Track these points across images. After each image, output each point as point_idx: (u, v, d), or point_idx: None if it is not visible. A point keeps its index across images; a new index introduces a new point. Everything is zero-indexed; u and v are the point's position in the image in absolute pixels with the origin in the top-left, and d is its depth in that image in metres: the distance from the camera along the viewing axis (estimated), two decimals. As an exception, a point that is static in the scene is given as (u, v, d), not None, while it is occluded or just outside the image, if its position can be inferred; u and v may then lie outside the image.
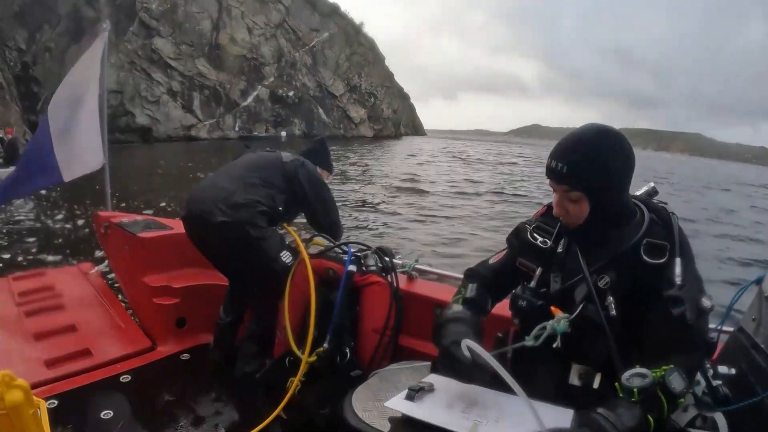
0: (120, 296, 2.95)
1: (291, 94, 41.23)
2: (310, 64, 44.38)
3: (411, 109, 70.22)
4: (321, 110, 45.02)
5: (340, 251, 2.18)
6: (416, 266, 2.17)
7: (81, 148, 3.23)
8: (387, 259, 2.07)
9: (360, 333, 2.02)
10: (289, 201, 2.29)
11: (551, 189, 1.15)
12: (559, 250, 1.20)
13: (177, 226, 2.68)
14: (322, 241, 2.22)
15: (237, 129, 35.05)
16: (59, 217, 8.30)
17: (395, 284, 1.99)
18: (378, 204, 11.63)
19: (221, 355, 2.35)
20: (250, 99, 36.83)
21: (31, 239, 6.75)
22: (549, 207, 1.25)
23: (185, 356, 2.37)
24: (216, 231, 2.08)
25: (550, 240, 1.21)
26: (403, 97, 65.98)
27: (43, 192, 9.28)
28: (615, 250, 1.10)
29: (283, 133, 39.62)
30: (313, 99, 43.97)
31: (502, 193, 15.46)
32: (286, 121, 40.86)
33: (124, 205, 9.39)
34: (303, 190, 2.30)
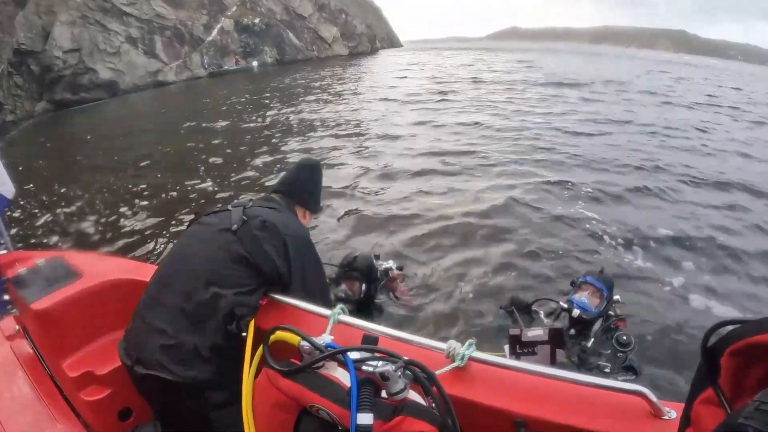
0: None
1: (257, 21, 39.49)
2: (273, -14, 42.26)
3: (384, 22, 67.37)
4: (291, 34, 43.41)
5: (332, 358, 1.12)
6: (472, 354, 1.37)
7: None
8: (424, 375, 1.05)
9: None
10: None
11: None
12: None
13: (89, 264, 2.09)
14: (290, 337, 1.17)
15: (206, 66, 34.15)
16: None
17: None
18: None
19: None
20: (214, 33, 35.45)
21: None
22: None
23: None
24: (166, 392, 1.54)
25: None
26: (375, 10, 63.09)
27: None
28: None
29: (255, 63, 38.60)
30: (281, 23, 42.22)
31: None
32: (256, 50, 39.54)
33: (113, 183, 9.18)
34: (275, 274, 1.67)
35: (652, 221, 6.16)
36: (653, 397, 1.15)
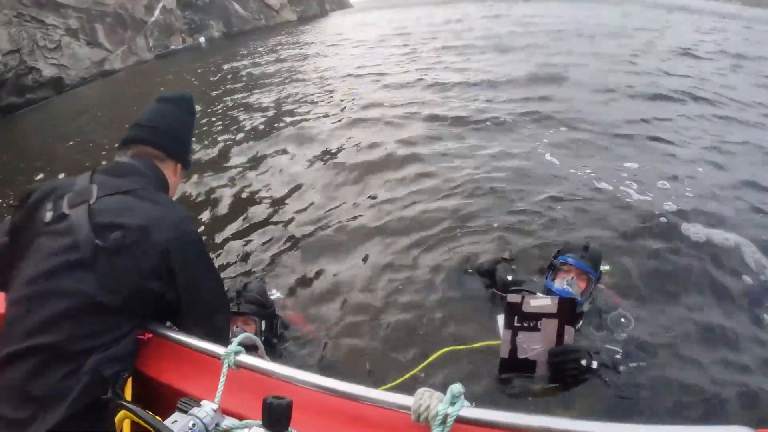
0: None
1: (200, -4, 38.76)
2: (211, -45, 40.79)
3: (330, -21, 65.69)
4: (236, 4, 42.26)
5: None
6: (460, 413, 0.87)
7: None
8: None
9: None
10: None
11: None
12: None
13: None
14: (141, 422, 0.88)
15: (151, 48, 33.76)
16: None
17: None
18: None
19: None
20: (156, 13, 34.41)
21: None
22: None
23: None
24: None
25: None
26: (319, -32, 61.38)
27: None
28: None
29: (202, 39, 37.72)
30: (225, -4, 41.39)
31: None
32: (202, 26, 38.53)
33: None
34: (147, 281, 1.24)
35: (632, 166, 5.19)
36: None
